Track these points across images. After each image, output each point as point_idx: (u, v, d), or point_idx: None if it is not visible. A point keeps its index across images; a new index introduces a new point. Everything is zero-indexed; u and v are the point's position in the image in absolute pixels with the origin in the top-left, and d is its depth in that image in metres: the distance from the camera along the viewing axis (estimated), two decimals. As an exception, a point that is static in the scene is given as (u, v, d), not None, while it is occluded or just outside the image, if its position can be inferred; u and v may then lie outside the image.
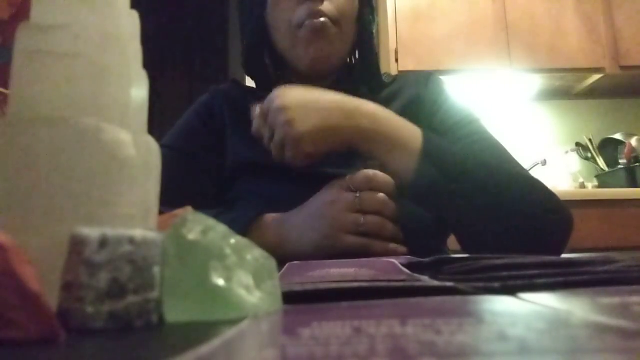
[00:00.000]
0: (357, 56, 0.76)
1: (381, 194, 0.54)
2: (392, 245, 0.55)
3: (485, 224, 0.57)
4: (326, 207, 0.54)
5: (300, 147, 0.54)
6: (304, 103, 0.55)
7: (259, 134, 0.58)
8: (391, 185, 0.55)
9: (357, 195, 0.54)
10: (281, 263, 0.27)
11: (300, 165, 0.56)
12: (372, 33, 0.76)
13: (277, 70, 0.73)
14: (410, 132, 0.58)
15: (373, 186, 0.54)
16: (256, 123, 0.58)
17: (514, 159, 0.66)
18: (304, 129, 0.53)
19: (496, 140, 0.69)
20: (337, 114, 0.55)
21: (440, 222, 0.63)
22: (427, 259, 0.32)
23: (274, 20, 0.70)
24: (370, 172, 0.54)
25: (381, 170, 0.55)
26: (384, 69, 0.79)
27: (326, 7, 0.66)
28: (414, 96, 0.74)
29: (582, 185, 2.37)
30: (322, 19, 0.66)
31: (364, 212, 0.53)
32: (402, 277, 0.28)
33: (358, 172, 0.55)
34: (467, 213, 0.57)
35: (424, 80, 0.76)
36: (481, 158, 0.60)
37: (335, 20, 0.67)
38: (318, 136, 0.54)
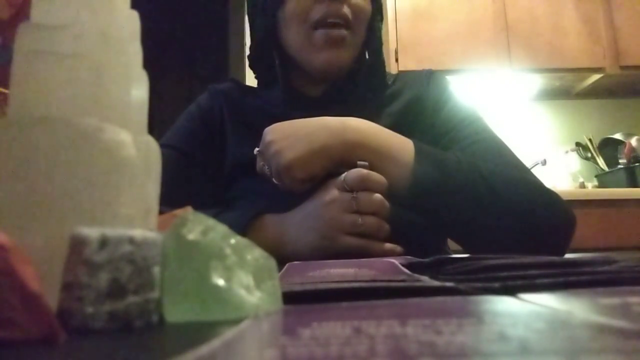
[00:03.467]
0: (364, 59, 0.75)
1: (377, 195, 0.54)
2: (390, 246, 0.55)
3: (484, 227, 0.56)
4: (324, 207, 0.54)
5: (292, 174, 0.55)
6: (290, 132, 0.57)
7: (262, 173, 0.60)
8: (384, 185, 0.55)
9: (354, 195, 0.54)
10: (281, 263, 0.27)
11: (300, 191, 0.57)
12: (380, 39, 0.76)
13: (283, 69, 0.73)
14: (401, 143, 0.59)
15: (367, 185, 0.54)
16: (258, 163, 0.61)
17: (516, 158, 0.66)
18: (291, 156, 0.55)
19: (499, 139, 0.69)
20: (324, 134, 0.56)
21: (435, 229, 0.63)
22: (427, 259, 0.32)
23: (288, 16, 0.69)
24: (364, 171, 0.55)
25: (372, 170, 0.56)
26: (384, 69, 0.79)
27: (345, 9, 0.67)
28: (416, 95, 0.73)
29: (582, 185, 2.37)
30: (341, 32, 0.66)
31: (361, 213, 0.54)
32: (402, 277, 0.28)
33: (351, 171, 0.55)
34: (465, 217, 0.57)
35: (426, 78, 0.76)
36: (476, 162, 0.60)
37: (350, 25, 0.68)
38: (307, 160, 0.55)
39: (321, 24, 0.66)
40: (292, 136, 0.56)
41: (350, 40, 0.68)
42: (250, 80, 0.83)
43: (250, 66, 0.79)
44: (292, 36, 0.70)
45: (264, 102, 0.75)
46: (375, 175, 0.55)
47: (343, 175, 0.55)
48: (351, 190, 0.54)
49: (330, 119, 0.58)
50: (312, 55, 0.69)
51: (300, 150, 0.55)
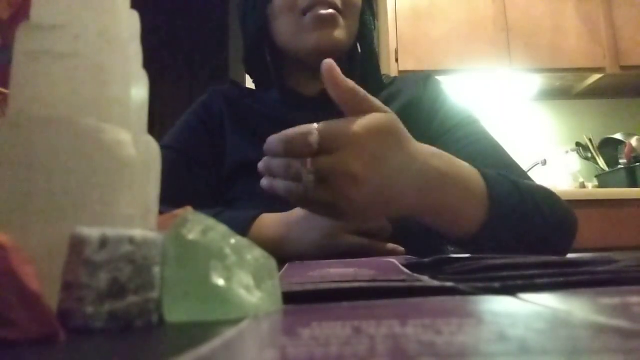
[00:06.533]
0: (357, 53, 0.76)
1: None
2: (391, 246, 0.55)
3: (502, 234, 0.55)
4: None
5: (361, 215, 0.46)
6: (376, 197, 0.44)
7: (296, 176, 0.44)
8: None
9: None
10: (281, 263, 0.27)
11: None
12: (372, 32, 0.76)
13: (277, 68, 0.73)
14: (472, 175, 0.51)
15: None
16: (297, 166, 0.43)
17: (513, 161, 0.66)
18: (371, 213, 0.46)
19: (495, 141, 0.69)
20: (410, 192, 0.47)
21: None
22: (427, 259, 0.32)
23: (277, 9, 0.70)
24: None
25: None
26: (384, 69, 0.80)
27: None
28: (413, 98, 0.74)
29: (582, 185, 2.37)
30: (331, 11, 0.66)
31: None
32: (402, 277, 0.28)
33: None
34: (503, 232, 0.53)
35: (422, 81, 0.77)
36: (533, 191, 0.56)
37: (340, 11, 0.68)
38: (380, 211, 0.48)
39: (310, 9, 0.67)
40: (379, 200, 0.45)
41: (342, 22, 0.68)
42: (250, 82, 0.83)
43: (247, 70, 0.79)
44: (283, 26, 0.70)
45: (262, 104, 0.76)
46: None
47: None
48: None
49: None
50: (303, 38, 0.68)
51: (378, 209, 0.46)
